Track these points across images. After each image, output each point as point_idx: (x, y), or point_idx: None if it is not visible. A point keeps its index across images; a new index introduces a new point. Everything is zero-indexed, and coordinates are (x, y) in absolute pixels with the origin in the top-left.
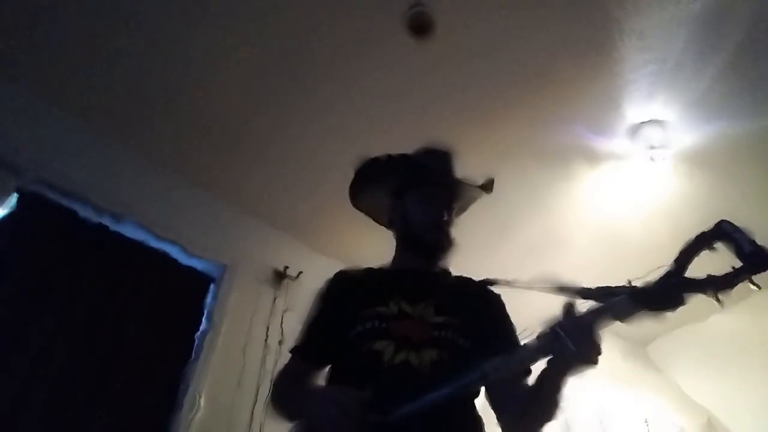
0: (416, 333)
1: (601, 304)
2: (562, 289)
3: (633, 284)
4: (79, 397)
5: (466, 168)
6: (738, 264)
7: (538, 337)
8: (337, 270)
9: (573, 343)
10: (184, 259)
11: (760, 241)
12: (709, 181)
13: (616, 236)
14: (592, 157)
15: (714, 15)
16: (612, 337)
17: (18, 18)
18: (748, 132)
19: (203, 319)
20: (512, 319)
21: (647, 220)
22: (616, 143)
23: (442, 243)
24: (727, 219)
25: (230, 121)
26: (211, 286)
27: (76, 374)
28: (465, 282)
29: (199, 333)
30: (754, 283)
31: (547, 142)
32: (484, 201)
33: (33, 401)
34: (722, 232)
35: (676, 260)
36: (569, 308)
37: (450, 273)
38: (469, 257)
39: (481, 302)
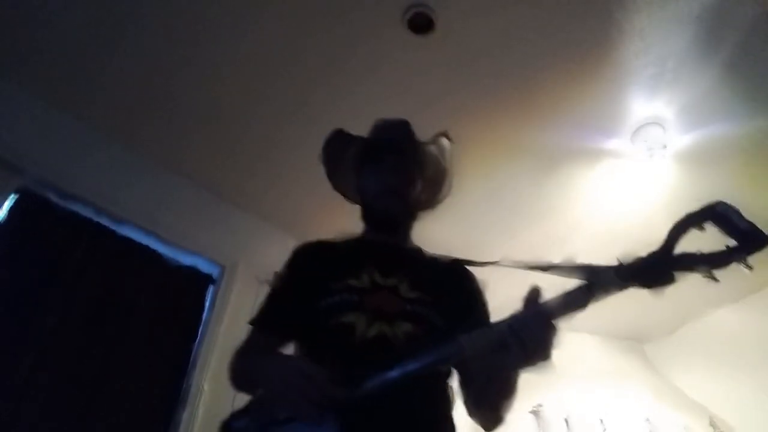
0: (389, 305)
1: (567, 291)
2: (546, 268)
3: (622, 262)
4: (79, 397)
5: (466, 168)
6: (732, 244)
7: (499, 323)
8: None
9: (529, 339)
10: (183, 260)
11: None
12: (709, 181)
13: (616, 236)
14: (593, 157)
15: (714, 16)
16: (611, 337)
17: (18, 18)
18: (748, 132)
19: (202, 320)
20: (489, 300)
21: (648, 219)
22: (616, 143)
23: (393, 209)
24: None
25: (231, 121)
26: (210, 287)
27: (75, 374)
28: (439, 260)
29: (198, 333)
30: (747, 265)
31: (547, 142)
32: (483, 201)
33: (33, 401)
34: (716, 212)
35: (667, 238)
36: (533, 296)
37: (423, 250)
38: (469, 257)
39: (455, 281)
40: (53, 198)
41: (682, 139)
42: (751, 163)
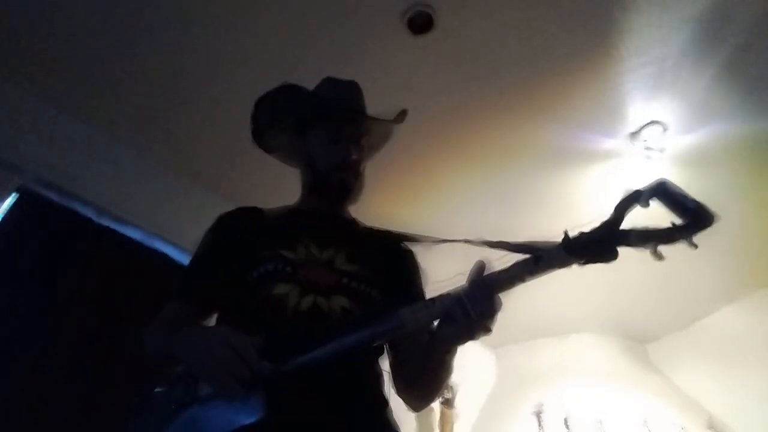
0: (324, 278)
1: (512, 264)
2: (493, 244)
3: (568, 234)
4: (78, 397)
5: (466, 168)
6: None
7: (442, 297)
8: None
9: (475, 310)
10: (184, 260)
11: (757, 243)
12: (709, 182)
13: None
14: (592, 157)
15: (713, 16)
16: (612, 337)
17: (19, 18)
18: (748, 133)
19: None
20: (434, 276)
21: (647, 220)
22: (615, 143)
23: (349, 183)
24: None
25: (233, 122)
26: None
27: (76, 374)
28: (378, 233)
29: None
30: (693, 243)
31: (547, 142)
32: (481, 201)
33: (33, 401)
34: (662, 190)
35: (612, 213)
36: (478, 269)
37: (359, 221)
38: (469, 256)
39: (393, 256)
40: (53, 198)
41: (681, 140)
42: (750, 164)
